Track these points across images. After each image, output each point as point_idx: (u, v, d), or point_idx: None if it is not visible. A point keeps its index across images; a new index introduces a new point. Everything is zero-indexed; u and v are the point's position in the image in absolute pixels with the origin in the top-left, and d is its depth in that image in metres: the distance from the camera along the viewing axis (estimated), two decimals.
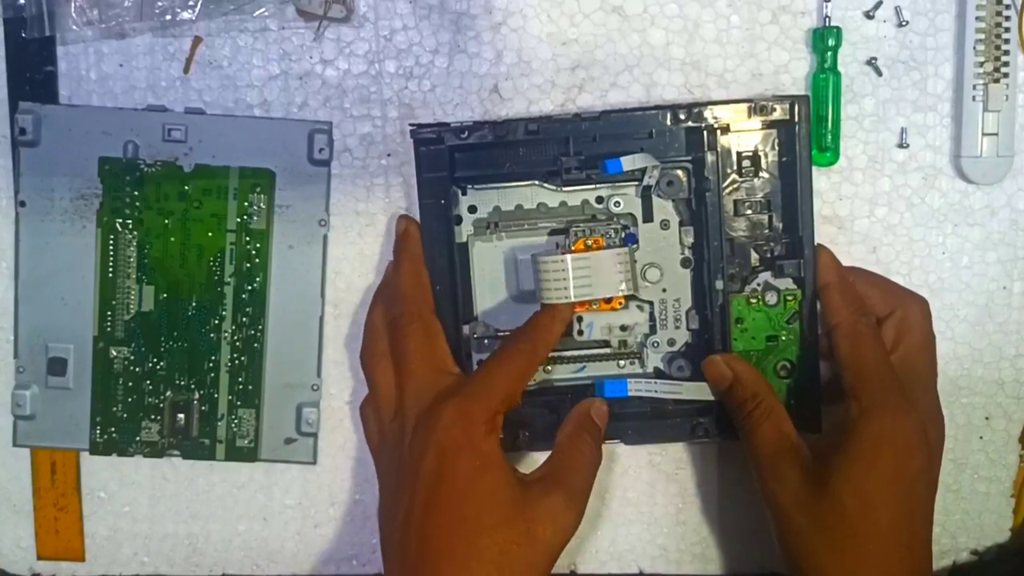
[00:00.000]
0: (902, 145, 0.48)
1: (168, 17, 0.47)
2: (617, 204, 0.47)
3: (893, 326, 0.45)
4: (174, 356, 0.49)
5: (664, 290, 0.47)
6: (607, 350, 0.48)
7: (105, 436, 0.49)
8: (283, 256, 0.49)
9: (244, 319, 0.49)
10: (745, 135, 0.46)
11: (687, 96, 0.48)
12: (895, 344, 0.45)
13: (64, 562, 0.52)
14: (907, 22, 0.47)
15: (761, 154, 0.46)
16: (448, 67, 0.48)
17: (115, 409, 0.49)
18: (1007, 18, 0.46)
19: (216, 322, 0.49)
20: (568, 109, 0.48)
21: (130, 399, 0.49)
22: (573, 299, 0.45)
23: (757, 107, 0.45)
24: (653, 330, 0.48)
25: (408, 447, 0.42)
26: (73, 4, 0.47)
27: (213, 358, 0.49)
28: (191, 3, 0.46)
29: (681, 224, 0.47)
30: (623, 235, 0.47)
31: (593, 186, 0.47)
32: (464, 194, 0.47)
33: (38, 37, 0.47)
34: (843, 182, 0.48)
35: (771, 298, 0.46)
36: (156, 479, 0.51)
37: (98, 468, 0.51)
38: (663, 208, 0.47)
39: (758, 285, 0.46)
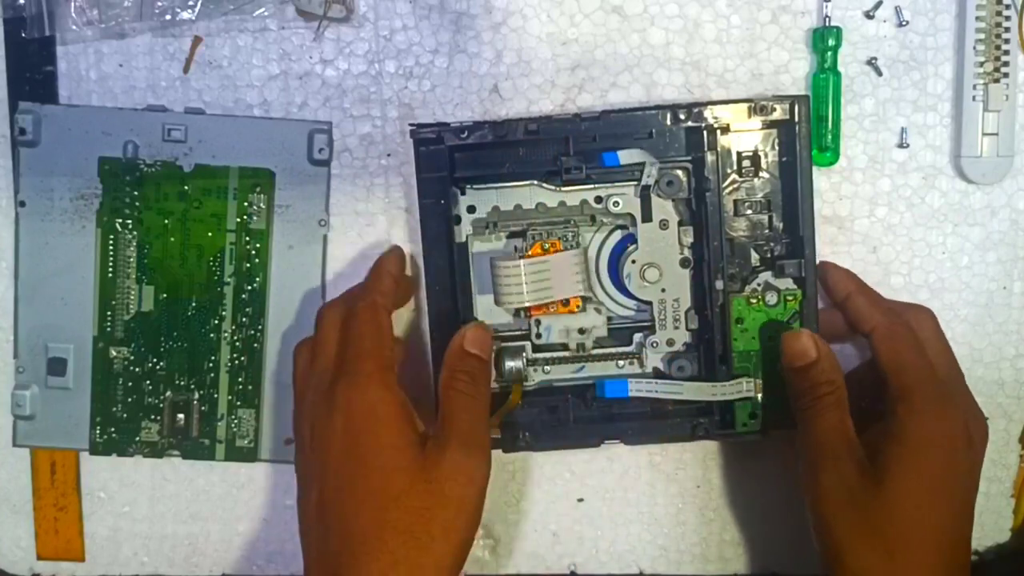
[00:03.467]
0: (902, 145, 0.48)
1: (168, 17, 0.47)
2: (616, 204, 0.47)
3: None
4: (174, 356, 0.49)
5: (663, 290, 0.47)
6: (607, 350, 0.48)
7: (105, 436, 0.49)
8: (283, 256, 0.49)
9: (244, 319, 0.49)
10: (745, 135, 0.46)
11: (687, 96, 0.48)
12: None
13: (64, 562, 0.52)
14: (907, 22, 0.47)
15: (761, 154, 0.46)
16: (448, 67, 0.48)
17: (115, 409, 0.49)
18: (1007, 18, 0.46)
19: (216, 322, 0.49)
20: (568, 109, 0.48)
21: (130, 399, 0.49)
22: (527, 303, 0.46)
23: (757, 107, 0.45)
24: (652, 330, 0.48)
25: (317, 427, 0.43)
26: (73, 4, 0.47)
27: (213, 358, 0.49)
28: (191, 3, 0.46)
29: (680, 224, 0.47)
30: (579, 237, 0.47)
31: (592, 186, 0.47)
32: (463, 194, 0.47)
33: (38, 37, 0.47)
34: (843, 182, 0.48)
35: (771, 298, 0.46)
36: (156, 479, 0.51)
37: (98, 468, 0.51)
38: (662, 208, 0.47)
39: (758, 285, 0.46)
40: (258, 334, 0.49)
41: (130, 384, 0.49)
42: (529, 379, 0.48)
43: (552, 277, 0.46)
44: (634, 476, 0.51)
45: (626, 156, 0.45)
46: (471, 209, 0.47)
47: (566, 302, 0.47)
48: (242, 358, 0.49)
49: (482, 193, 0.47)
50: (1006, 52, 0.46)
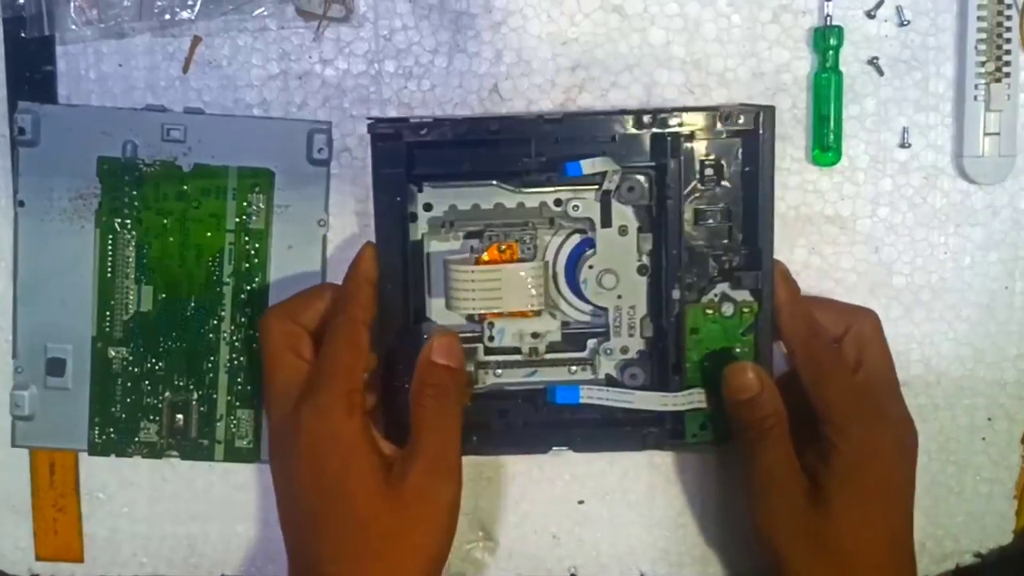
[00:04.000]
0: (904, 145, 0.48)
1: (167, 17, 0.47)
2: (576, 208, 0.46)
3: (852, 343, 0.45)
4: (173, 356, 0.49)
5: (619, 296, 0.47)
6: (559, 355, 0.48)
7: (104, 437, 0.49)
8: (282, 256, 0.49)
9: (243, 319, 0.49)
10: (709, 143, 0.45)
11: (688, 96, 0.48)
12: (858, 360, 0.45)
13: (63, 563, 0.52)
14: (908, 21, 0.47)
15: (724, 163, 0.46)
16: (448, 67, 0.48)
17: (114, 410, 0.49)
18: (1008, 17, 0.46)
19: (215, 322, 0.49)
20: (568, 109, 0.48)
21: (129, 399, 0.49)
22: (477, 311, 0.45)
23: (723, 115, 0.44)
24: (607, 337, 0.47)
25: (283, 447, 0.43)
26: (72, 4, 0.47)
27: (212, 358, 0.49)
28: (190, 3, 0.46)
29: (640, 231, 0.46)
30: (536, 244, 0.47)
31: (552, 188, 0.46)
32: (420, 191, 0.46)
33: (37, 37, 0.47)
34: (845, 182, 0.48)
35: (727, 309, 0.46)
36: (155, 480, 0.51)
37: (97, 469, 0.51)
38: (622, 214, 0.46)
39: (715, 296, 0.46)
40: (257, 334, 0.49)
41: (129, 384, 0.49)
42: (479, 382, 0.47)
43: (503, 287, 0.45)
44: (634, 478, 0.50)
45: (589, 166, 0.44)
46: (428, 207, 0.47)
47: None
48: (241, 358, 0.49)
49: (440, 191, 0.46)
50: (1007, 52, 0.46)
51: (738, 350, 0.46)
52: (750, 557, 0.51)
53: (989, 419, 0.50)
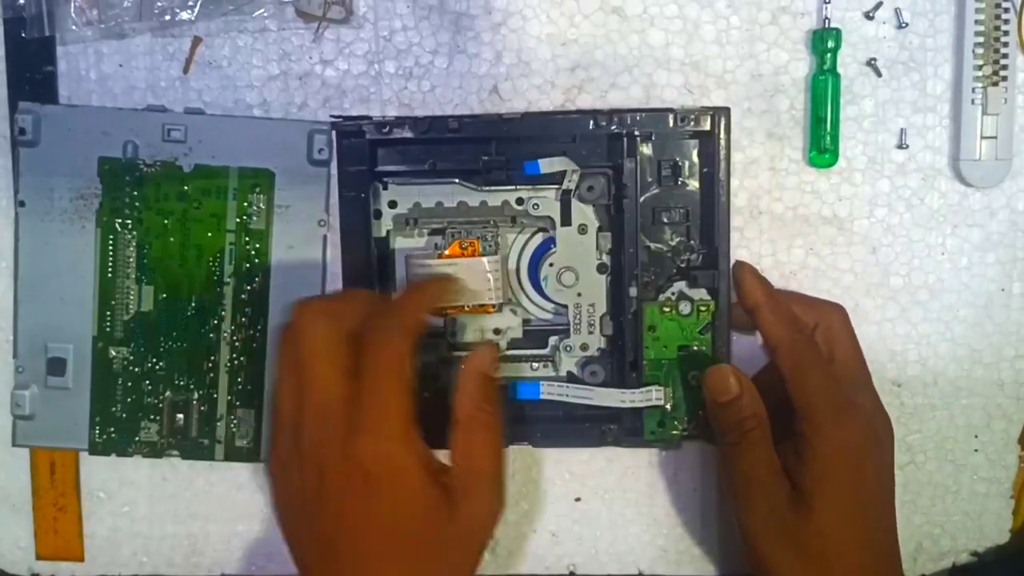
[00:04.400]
0: (901, 146, 0.48)
1: (167, 17, 0.47)
2: (536, 206, 0.47)
3: (822, 338, 0.46)
4: (173, 356, 0.49)
5: (579, 295, 0.47)
6: (521, 352, 0.48)
7: (104, 436, 0.49)
8: (282, 256, 0.49)
9: (243, 319, 0.49)
10: (668, 144, 0.46)
11: (687, 96, 0.48)
12: (829, 354, 0.45)
13: (63, 562, 0.52)
14: (907, 23, 0.47)
15: (682, 164, 0.46)
16: (448, 67, 0.48)
17: (114, 409, 0.49)
18: (1006, 21, 0.46)
19: (215, 322, 0.49)
20: (568, 109, 0.48)
21: (129, 399, 0.49)
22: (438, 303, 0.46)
23: (680, 117, 0.45)
24: (568, 334, 0.48)
25: (332, 481, 0.39)
26: (73, 4, 0.47)
27: (212, 358, 0.49)
28: (190, 3, 0.47)
29: (600, 230, 0.47)
30: (498, 241, 0.47)
31: (514, 187, 0.47)
32: (385, 189, 0.47)
33: (38, 37, 0.47)
34: (842, 183, 0.48)
35: (684, 308, 0.46)
36: (155, 479, 0.51)
37: (97, 468, 0.51)
38: (582, 213, 0.47)
39: (672, 294, 0.46)
40: (258, 334, 0.49)
41: (129, 384, 0.49)
42: (441, 377, 0.47)
43: (463, 281, 0.46)
44: (633, 477, 0.51)
45: (547, 165, 0.45)
46: (392, 204, 0.47)
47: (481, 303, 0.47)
48: (242, 358, 0.49)
49: (404, 189, 0.47)
50: (1005, 55, 0.46)
51: (695, 348, 0.46)
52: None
53: (986, 419, 0.50)
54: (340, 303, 0.42)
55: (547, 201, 0.47)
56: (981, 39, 0.46)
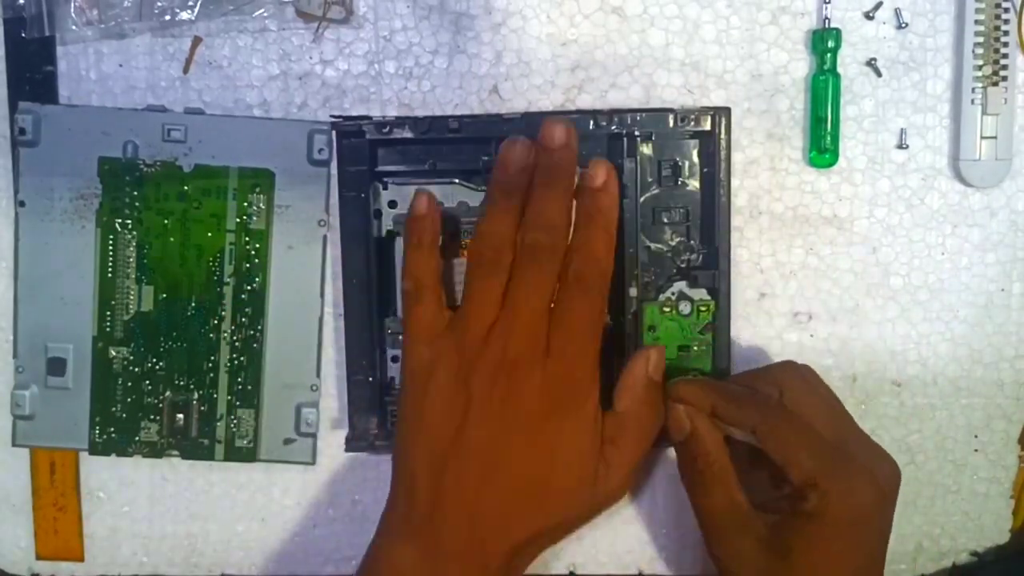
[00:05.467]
0: (901, 146, 0.48)
1: (167, 17, 0.47)
2: None
3: (791, 403, 0.43)
4: (173, 356, 0.49)
5: None
6: None
7: (104, 436, 0.49)
8: (282, 256, 0.49)
9: (243, 319, 0.49)
10: (668, 144, 0.46)
11: (687, 96, 0.48)
12: (805, 417, 0.42)
13: (63, 562, 0.52)
14: (907, 23, 0.47)
15: (683, 164, 0.46)
16: (448, 67, 0.48)
17: (114, 409, 0.49)
18: (1006, 21, 0.46)
19: (215, 322, 0.49)
20: (568, 109, 0.48)
21: (129, 399, 0.49)
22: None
23: (680, 117, 0.45)
24: None
25: (500, 389, 0.42)
26: (73, 4, 0.47)
27: (212, 358, 0.49)
28: (190, 3, 0.47)
29: None
30: None
31: None
32: (385, 188, 0.47)
33: (38, 37, 0.47)
34: (842, 183, 0.48)
35: (684, 308, 0.46)
36: (155, 479, 0.51)
37: (97, 468, 0.51)
38: None
39: (672, 294, 0.47)
40: (258, 334, 0.49)
41: (129, 384, 0.49)
42: None
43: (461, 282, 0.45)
44: (634, 477, 0.51)
45: None
46: (392, 204, 0.47)
47: None
48: (242, 358, 0.49)
49: (404, 189, 0.47)
50: (1005, 55, 0.46)
51: (695, 348, 0.46)
52: None
53: (986, 419, 0.50)
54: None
55: None
56: (981, 39, 0.46)
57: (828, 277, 0.49)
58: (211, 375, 0.49)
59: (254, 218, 0.48)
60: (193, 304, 0.49)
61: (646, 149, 0.46)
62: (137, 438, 0.50)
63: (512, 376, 0.41)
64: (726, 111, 0.45)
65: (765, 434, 0.41)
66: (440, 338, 0.43)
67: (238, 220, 0.48)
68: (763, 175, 0.48)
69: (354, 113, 0.48)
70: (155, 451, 0.50)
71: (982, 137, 0.47)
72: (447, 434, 0.42)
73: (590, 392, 0.42)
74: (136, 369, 0.49)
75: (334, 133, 0.47)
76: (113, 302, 0.49)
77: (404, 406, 0.44)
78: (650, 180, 0.46)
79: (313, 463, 0.50)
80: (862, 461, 0.41)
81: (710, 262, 0.46)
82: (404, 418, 0.44)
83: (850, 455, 0.41)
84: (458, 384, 0.42)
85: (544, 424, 0.41)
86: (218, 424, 0.49)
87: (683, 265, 0.47)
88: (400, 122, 0.45)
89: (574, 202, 0.43)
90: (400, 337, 0.48)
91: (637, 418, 0.43)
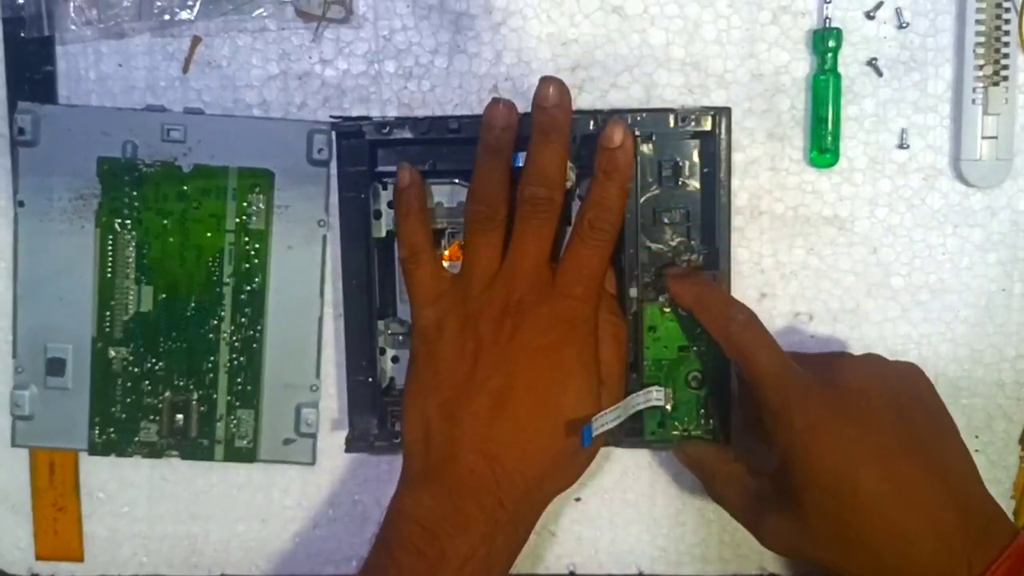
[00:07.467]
0: (902, 146, 0.48)
1: (167, 17, 0.47)
2: None
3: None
4: (173, 356, 0.49)
5: None
6: None
7: (104, 436, 0.49)
8: (282, 256, 0.49)
9: (243, 319, 0.49)
10: (668, 144, 0.46)
11: (687, 96, 0.48)
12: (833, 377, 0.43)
13: (63, 562, 0.52)
14: (907, 23, 0.47)
15: (683, 164, 0.46)
16: (448, 67, 0.48)
17: (114, 409, 0.49)
18: (1007, 21, 0.46)
19: (215, 322, 0.49)
20: None
21: (129, 399, 0.49)
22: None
23: (680, 117, 0.45)
24: None
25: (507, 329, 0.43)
26: (72, 4, 0.47)
27: (212, 358, 0.49)
28: (190, 3, 0.46)
29: None
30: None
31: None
32: (384, 189, 0.47)
33: (37, 37, 0.47)
34: (843, 183, 0.48)
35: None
36: (155, 479, 0.51)
37: (97, 468, 0.51)
38: None
39: None
40: (257, 334, 0.49)
41: (129, 384, 0.49)
42: None
43: None
44: (633, 476, 0.51)
45: None
46: (392, 204, 0.47)
47: None
48: (241, 358, 0.49)
49: None
50: (1006, 55, 0.46)
51: (696, 348, 0.46)
52: (749, 556, 0.51)
53: (987, 419, 0.50)
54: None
55: None
56: (982, 39, 0.46)
57: (829, 277, 0.49)
58: (211, 375, 0.49)
59: (253, 218, 0.48)
60: (193, 304, 0.49)
61: (646, 149, 0.46)
62: (137, 438, 0.50)
63: (518, 315, 0.43)
64: (727, 111, 0.45)
65: (731, 339, 0.43)
66: (444, 297, 0.44)
67: (237, 220, 0.48)
68: (764, 175, 0.48)
69: (354, 113, 0.48)
70: (155, 451, 0.50)
71: (983, 137, 0.47)
72: (459, 379, 0.43)
73: (593, 330, 0.44)
74: (135, 369, 0.49)
75: (334, 133, 0.47)
76: (112, 302, 0.49)
77: (415, 362, 0.44)
78: (650, 180, 0.46)
79: (313, 463, 0.50)
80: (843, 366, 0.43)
81: (711, 262, 0.46)
82: (416, 373, 0.44)
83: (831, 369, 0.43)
84: (467, 332, 0.43)
85: (552, 355, 0.43)
86: (218, 424, 0.49)
87: (684, 265, 0.47)
88: (400, 122, 0.45)
89: (577, 171, 0.45)
90: (401, 338, 0.48)
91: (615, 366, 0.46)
